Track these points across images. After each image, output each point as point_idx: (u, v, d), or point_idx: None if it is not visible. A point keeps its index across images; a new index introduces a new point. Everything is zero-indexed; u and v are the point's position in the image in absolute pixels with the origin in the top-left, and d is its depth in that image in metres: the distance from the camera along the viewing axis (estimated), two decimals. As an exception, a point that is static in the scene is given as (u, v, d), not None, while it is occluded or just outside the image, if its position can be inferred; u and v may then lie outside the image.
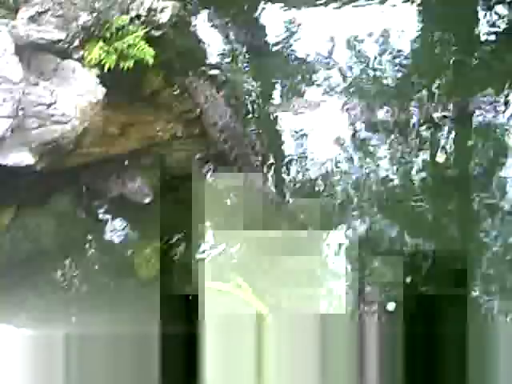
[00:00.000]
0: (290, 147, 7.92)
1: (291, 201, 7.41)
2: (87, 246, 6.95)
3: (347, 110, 8.06)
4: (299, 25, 8.91)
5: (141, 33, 7.25)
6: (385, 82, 8.41)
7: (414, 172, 7.66)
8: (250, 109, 8.02)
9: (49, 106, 6.62)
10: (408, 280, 6.74)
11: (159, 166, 7.37)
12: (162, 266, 6.80)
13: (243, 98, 8.16)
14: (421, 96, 8.15)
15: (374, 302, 6.47)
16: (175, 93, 7.79)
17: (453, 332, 5.53)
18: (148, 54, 7.18)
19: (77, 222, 7.05)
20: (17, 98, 6.34)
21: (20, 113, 6.37)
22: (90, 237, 7.01)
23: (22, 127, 6.44)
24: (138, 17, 7.39)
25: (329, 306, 6.69)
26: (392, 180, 7.58)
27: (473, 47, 8.69)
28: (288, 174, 7.65)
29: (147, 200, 7.14)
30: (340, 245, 7.08)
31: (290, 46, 8.77)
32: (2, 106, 6.26)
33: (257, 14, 9.02)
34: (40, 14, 6.82)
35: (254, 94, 8.21)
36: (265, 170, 7.63)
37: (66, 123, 6.67)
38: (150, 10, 7.45)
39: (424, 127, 7.92)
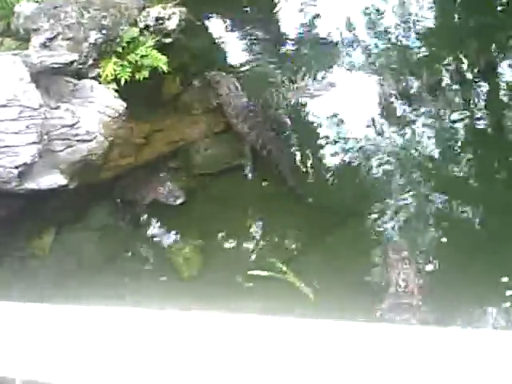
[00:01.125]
0: (320, 131, 7.90)
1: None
2: (129, 254, 7.15)
3: (374, 83, 8.06)
4: (315, 7, 8.96)
5: (151, 42, 7.45)
6: (409, 50, 8.38)
7: (451, 135, 7.61)
8: (271, 97, 8.03)
9: (72, 126, 6.85)
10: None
11: (187, 167, 7.54)
12: (202, 263, 6.95)
13: (264, 88, 8.21)
14: (447, 59, 8.12)
15: (403, 251, 6.42)
16: (195, 93, 7.95)
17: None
18: (161, 61, 7.37)
19: (116, 233, 7.26)
20: (40, 124, 6.58)
21: (45, 137, 6.60)
22: (130, 244, 7.20)
23: (49, 151, 6.69)
24: (147, 27, 7.58)
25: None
26: (430, 146, 7.53)
27: (495, 9, 8.61)
28: (321, 160, 7.64)
29: (179, 201, 7.29)
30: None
31: (309, 30, 8.81)
32: (27, 134, 6.50)
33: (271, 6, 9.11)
34: (51, 39, 7.08)
35: (274, 83, 8.25)
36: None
37: (91, 141, 6.91)
38: (157, 19, 7.63)
39: (455, 88, 7.88)
